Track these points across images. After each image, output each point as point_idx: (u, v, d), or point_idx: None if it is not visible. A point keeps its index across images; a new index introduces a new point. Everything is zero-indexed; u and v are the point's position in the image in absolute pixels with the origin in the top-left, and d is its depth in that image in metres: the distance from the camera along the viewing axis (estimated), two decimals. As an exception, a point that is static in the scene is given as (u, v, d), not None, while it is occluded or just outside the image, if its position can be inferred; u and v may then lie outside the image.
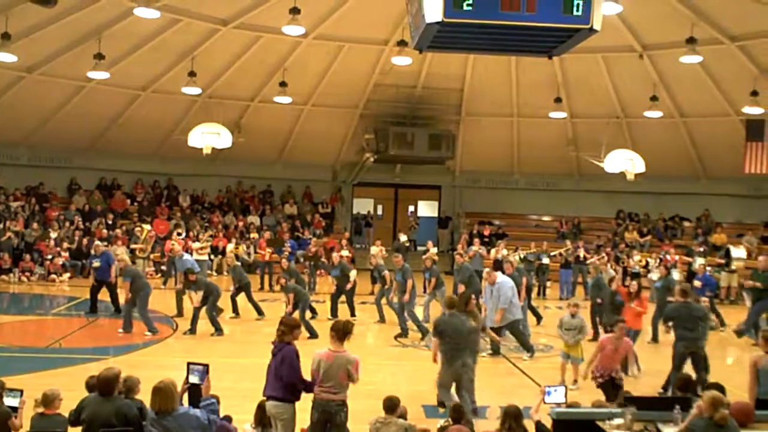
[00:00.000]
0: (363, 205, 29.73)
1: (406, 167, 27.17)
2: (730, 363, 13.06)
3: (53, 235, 21.60)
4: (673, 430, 6.14)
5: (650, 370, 11.07)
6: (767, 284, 13.76)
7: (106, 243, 19.36)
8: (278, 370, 6.43)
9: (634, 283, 12.51)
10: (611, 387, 8.79)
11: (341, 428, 6.54)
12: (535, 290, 18.84)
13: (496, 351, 12.32)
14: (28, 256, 20.50)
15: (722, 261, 21.16)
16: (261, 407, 6.60)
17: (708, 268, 17.65)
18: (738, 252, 21.28)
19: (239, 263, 16.34)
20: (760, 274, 13.97)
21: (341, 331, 6.69)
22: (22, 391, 6.11)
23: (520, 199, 27.64)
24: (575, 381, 10.14)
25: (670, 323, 10.14)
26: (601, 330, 13.88)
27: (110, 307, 15.25)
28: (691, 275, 18.26)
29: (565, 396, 6.72)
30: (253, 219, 25.68)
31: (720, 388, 6.60)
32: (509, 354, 12.44)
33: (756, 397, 7.19)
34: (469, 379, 8.66)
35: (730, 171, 23.91)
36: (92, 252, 16.28)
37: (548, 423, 6.58)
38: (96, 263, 15.34)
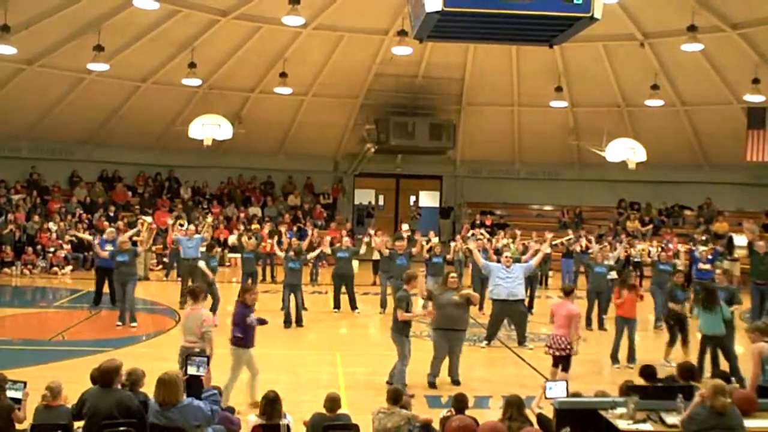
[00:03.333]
0: (364, 196, 29.69)
1: (407, 157, 27.08)
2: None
3: (53, 227, 21.57)
4: (675, 419, 6.15)
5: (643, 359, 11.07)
6: None
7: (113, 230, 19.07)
8: None
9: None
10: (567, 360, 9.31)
11: None
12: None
13: (488, 339, 12.35)
14: (30, 249, 20.50)
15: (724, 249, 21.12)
16: (267, 398, 6.59)
17: (709, 257, 17.68)
18: (741, 240, 21.22)
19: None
20: None
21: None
22: (25, 383, 6.08)
23: (521, 189, 27.59)
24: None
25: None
26: (594, 319, 14.02)
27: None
28: (692, 264, 18.24)
29: (566, 390, 6.73)
30: (255, 210, 25.69)
31: (726, 377, 6.61)
32: (511, 344, 12.45)
33: (759, 386, 7.20)
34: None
35: (732, 159, 23.82)
36: (104, 237, 15.77)
37: (551, 412, 6.58)
38: (109, 247, 14.73)
